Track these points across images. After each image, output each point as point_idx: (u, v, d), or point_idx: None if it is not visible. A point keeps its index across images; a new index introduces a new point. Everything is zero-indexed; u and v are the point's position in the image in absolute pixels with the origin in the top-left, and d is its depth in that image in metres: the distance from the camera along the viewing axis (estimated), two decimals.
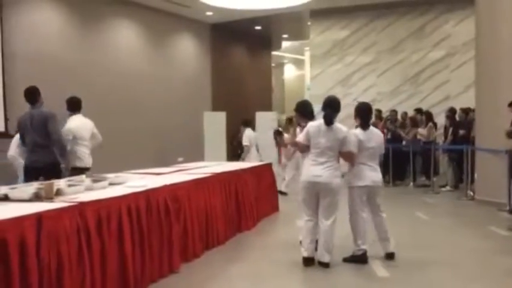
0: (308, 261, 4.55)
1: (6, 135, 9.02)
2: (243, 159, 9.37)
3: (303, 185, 4.59)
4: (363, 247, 4.65)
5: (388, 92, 13.55)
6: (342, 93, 14.08)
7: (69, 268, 3.09)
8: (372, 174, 4.74)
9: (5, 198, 3.47)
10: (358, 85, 13.93)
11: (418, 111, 11.46)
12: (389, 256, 4.77)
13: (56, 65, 10.51)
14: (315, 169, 4.48)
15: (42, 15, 10.42)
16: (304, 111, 5.22)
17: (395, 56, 13.52)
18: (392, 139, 11.03)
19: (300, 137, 4.71)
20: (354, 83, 14.00)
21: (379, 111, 12.17)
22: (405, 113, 11.80)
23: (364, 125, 4.90)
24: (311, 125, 4.68)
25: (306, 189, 4.57)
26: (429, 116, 10.71)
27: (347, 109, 14.74)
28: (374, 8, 13.43)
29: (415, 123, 10.83)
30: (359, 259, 4.62)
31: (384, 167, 11.02)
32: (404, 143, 10.89)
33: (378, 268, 4.53)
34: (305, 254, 4.56)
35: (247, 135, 9.64)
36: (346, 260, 4.67)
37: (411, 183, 10.55)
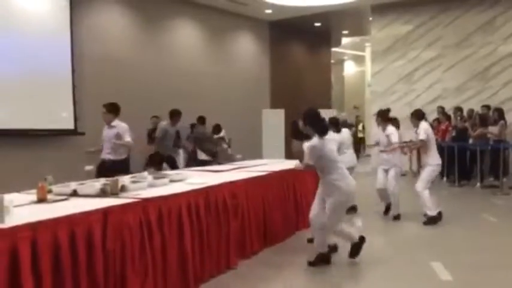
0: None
1: (75, 133, 9.53)
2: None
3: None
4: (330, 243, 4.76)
5: (454, 89, 12.99)
6: (405, 90, 13.72)
7: (132, 261, 3.22)
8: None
9: (74, 193, 3.66)
10: (422, 81, 13.47)
11: (487, 108, 10.92)
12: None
13: (121, 65, 10.94)
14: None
15: (108, 17, 10.88)
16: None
17: (462, 50, 12.93)
18: (458, 137, 10.59)
19: None
20: (417, 79, 13.55)
21: (442, 109, 11.73)
22: (472, 110, 11.28)
23: (318, 132, 4.39)
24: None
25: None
26: (500, 113, 10.16)
27: (410, 106, 14.29)
28: (438, 2, 12.93)
29: (484, 120, 10.30)
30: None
31: (449, 166, 10.66)
32: (471, 141, 10.41)
33: (441, 271, 4.37)
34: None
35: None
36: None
37: (478, 184, 10.08)
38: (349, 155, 7.02)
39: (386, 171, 6.77)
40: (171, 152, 8.62)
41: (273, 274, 4.38)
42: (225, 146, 10.15)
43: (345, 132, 7.48)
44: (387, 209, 6.89)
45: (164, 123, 8.68)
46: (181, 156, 9.67)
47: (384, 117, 6.86)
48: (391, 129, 6.79)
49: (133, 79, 11.16)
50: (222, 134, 10.30)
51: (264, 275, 4.33)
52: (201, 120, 9.55)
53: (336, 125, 6.98)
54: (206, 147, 8.96)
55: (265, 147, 13.67)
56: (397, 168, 6.75)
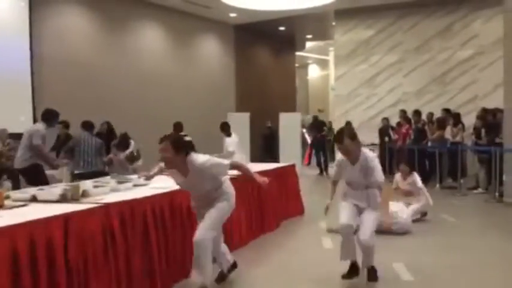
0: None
1: None
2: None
3: None
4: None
5: (414, 92, 13.36)
6: (367, 94, 13.99)
7: (95, 268, 3.15)
8: None
9: (34, 199, 3.55)
10: (384, 85, 13.79)
11: (446, 111, 11.27)
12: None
13: (82, 67, 10.72)
14: None
15: (69, 18, 10.65)
16: None
17: (421, 55, 13.32)
18: (417, 140, 10.88)
19: None
20: (379, 83, 13.87)
21: (403, 112, 12.02)
22: (431, 114, 11.61)
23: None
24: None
25: None
26: (457, 117, 10.52)
27: (372, 110, 14.58)
28: (399, 7, 13.28)
29: (442, 124, 10.63)
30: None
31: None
32: (429, 144, 10.72)
33: (403, 272, 4.47)
34: None
35: (233, 140, 8.37)
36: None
37: (437, 185, 10.37)
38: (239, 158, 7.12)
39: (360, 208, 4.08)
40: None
41: (238, 277, 4.37)
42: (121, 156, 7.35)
43: (234, 137, 8.39)
44: (351, 272, 4.23)
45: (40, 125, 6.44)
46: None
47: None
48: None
49: (95, 82, 10.95)
50: (131, 148, 7.55)
51: (229, 278, 4.31)
52: (86, 125, 7.12)
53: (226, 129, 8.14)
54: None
55: None
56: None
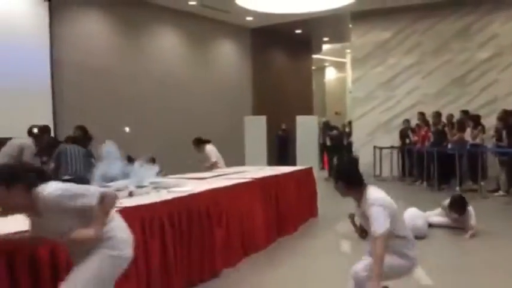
0: None
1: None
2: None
3: None
4: None
5: (433, 94, 13.22)
6: (385, 96, 13.89)
7: None
8: None
9: None
10: (402, 87, 13.67)
11: (465, 113, 11.12)
12: None
13: (101, 72, 10.86)
14: None
15: (88, 23, 10.82)
16: None
17: (440, 57, 13.17)
18: (437, 142, 10.75)
19: None
20: (397, 86, 13.75)
21: (422, 114, 11.90)
22: (451, 115, 11.47)
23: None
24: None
25: None
26: (477, 119, 10.37)
27: (390, 112, 14.45)
28: (416, 8, 13.16)
29: (462, 126, 10.49)
30: None
31: (428, 170, 10.83)
32: (450, 146, 10.58)
33: (421, 275, 4.42)
34: None
35: (212, 150, 7.98)
36: None
37: (457, 188, 10.23)
38: None
39: None
40: None
41: (256, 281, 4.38)
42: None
43: (211, 146, 7.99)
44: None
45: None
46: None
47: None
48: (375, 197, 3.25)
49: (114, 86, 11.09)
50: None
51: (247, 282, 4.33)
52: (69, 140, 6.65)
53: None
54: None
55: (247, 154, 13.68)
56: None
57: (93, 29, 10.91)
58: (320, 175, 12.73)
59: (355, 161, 6.02)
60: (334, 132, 13.84)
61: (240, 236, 5.00)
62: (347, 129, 14.75)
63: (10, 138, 8.62)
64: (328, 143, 13.75)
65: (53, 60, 9.66)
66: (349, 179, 3.20)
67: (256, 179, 5.78)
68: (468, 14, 12.80)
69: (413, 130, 12.16)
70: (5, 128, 8.65)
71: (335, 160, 13.09)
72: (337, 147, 13.54)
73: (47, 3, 9.60)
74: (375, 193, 3.16)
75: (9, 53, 8.74)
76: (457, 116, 11.33)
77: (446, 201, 6.43)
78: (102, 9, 11.07)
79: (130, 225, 3.39)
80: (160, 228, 3.73)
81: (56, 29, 9.81)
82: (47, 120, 9.43)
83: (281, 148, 15.55)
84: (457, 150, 10.21)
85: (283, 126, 15.53)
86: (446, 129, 10.95)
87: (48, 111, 9.50)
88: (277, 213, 6.02)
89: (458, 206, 6.19)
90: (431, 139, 11.07)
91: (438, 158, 10.38)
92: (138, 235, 3.45)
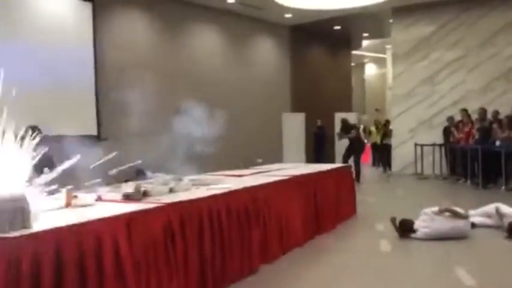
0: None
1: (99, 139, 9.71)
2: None
3: None
4: None
5: (478, 90, 12.80)
6: (427, 92, 13.56)
7: (155, 264, 3.26)
8: None
9: (99, 199, 3.75)
10: (445, 83, 13.32)
11: None
12: None
13: (143, 71, 11.09)
14: None
15: (130, 24, 11.07)
16: None
17: (485, 51, 12.74)
18: (482, 139, 10.42)
19: None
20: (440, 81, 13.40)
21: (465, 111, 11.57)
22: (497, 112, 11.09)
23: None
24: None
25: None
26: None
27: (433, 108, 14.13)
28: (461, 1, 12.79)
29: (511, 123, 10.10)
30: None
31: (472, 168, 10.51)
32: (498, 143, 10.21)
33: (464, 276, 4.31)
34: None
35: None
36: None
37: (503, 187, 9.89)
38: None
39: None
40: None
41: (293, 278, 4.39)
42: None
43: None
44: None
45: None
46: None
47: None
48: None
49: (154, 85, 11.30)
50: None
51: (285, 279, 4.34)
52: None
53: None
54: None
55: (285, 151, 13.69)
56: None
57: (134, 28, 11.16)
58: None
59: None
60: (352, 133, 12.39)
61: (278, 233, 5.01)
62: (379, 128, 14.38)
63: (56, 136, 8.98)
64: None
65: (96, 59, 9.93)
66: None
67: (294, 176, 5.78)
68: None
69: (457, 127, 11.83)
70: (51, 126, 8.96)
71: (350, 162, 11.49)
72: (354, 149, 12.37)
73: (90, 3, 9.88)
74: None
75: (54, 53, 9.04)
76: (503, 112, 10.93)
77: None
78: (143, 8, 11.31)
79: (170, 220, 3.49)
80: (199, 224, 3.79)
81: (99, 29, 10.08)
82: (91, 118, 9.74)
83: (316, 145, 15.22)
84: (503, 148, 9.86)
85: (319, 123, 15.16)
86: (494, 125, 10.55)
87: (92, 110, 9.79)
88: (315, 211, 6.00)
89: None
90: (476, 136, 10.74)
91: (483, 156, 10.07)
92: (177, 231, 3.52)
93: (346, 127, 12.47)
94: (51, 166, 5.10)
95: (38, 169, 5.20)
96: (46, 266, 2.55)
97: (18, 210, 2.60)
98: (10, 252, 2.43)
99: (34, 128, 5.86)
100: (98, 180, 5.92)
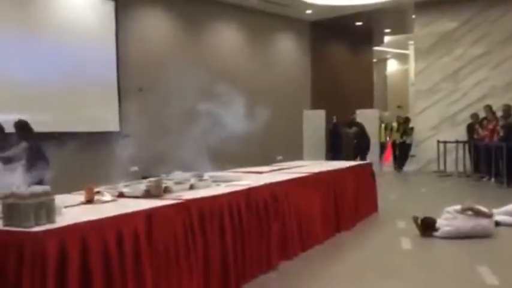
0: None
1: (121, 135, 9.84)
2: None
3: None
4: None
5: (502, 86, 12.55)
6: (450, 88, 13.36)
7: (176, 260, 3.31)
8: None
9: (121, 195, 3.81)
10: (469, 79, 13.10)
11: None
12: None
13: (164, 68, 11.19)
14: None
15: (151, 21, 11.18)
16: None
17: (510, 47, 12.48)
18: (506, 136, 10.22)
19: None
20: (463, 77, 13.19)
21: (490, 107, 11.35)
22: None
23: None
24: None
25: None
26: None
27: (456, 105, 13.90)
28: None
29: None
30: None
31: (496, 166, 10.33)
32: None
33: (488, 275, 4.25)
34: None
35: None
36: None
37: None
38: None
39: None
40: None
41: (313, 275, 4.39)
42: None
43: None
44: None
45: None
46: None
47: None
48: None
49: (176, 82, 11.39)
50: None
51: (304, 276, 4.35)
52: None
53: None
54: None
55: (306, 148, 13.64)
56: None
57: (156, 26, 11.26)
58: (381, 170, 12.47)
59: None
60: (353, 129, 12.65)
61: (298, 230, 5.01)
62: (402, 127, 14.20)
63: (79, 133, 9.15)
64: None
65: (119, 58, 10.06)
66: None
67: (314, 173, 5.77)
68: None
69: (481, 124, 11.63)
70: (74, 124, 9.15)
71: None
72: (359, 146, 12.58)
73: (113, 2, 10.01)
74: None
75: (77, 52, 9.19)
76: None
77: None
78: (165, 7, 11.39)
79: (191, 217, 3.52)
80: (220, 220, 3.82)
81: (121, 28, 10.20)
82: (113, 116, 9.88)
83: (331, 143, 14.41)
84: None
85: (334, 120, 14.41)
86: None
87: (115, 108, 9.93)
88: (335, 208, 5.98)
89: None
90: (500, 133, 10.54)
91: (508, 154, 9.88)
92: (197, 227, 3.56)
93: (351, 123, 12.95)
94: (42, 159, 5.15)
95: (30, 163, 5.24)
96: (71, 260, 2.61)
97: (43, 205, 2.67)
98: (35, 247, 2.49)
99: (20, 124, 5.92)
100: (119, 176, 6.04)
